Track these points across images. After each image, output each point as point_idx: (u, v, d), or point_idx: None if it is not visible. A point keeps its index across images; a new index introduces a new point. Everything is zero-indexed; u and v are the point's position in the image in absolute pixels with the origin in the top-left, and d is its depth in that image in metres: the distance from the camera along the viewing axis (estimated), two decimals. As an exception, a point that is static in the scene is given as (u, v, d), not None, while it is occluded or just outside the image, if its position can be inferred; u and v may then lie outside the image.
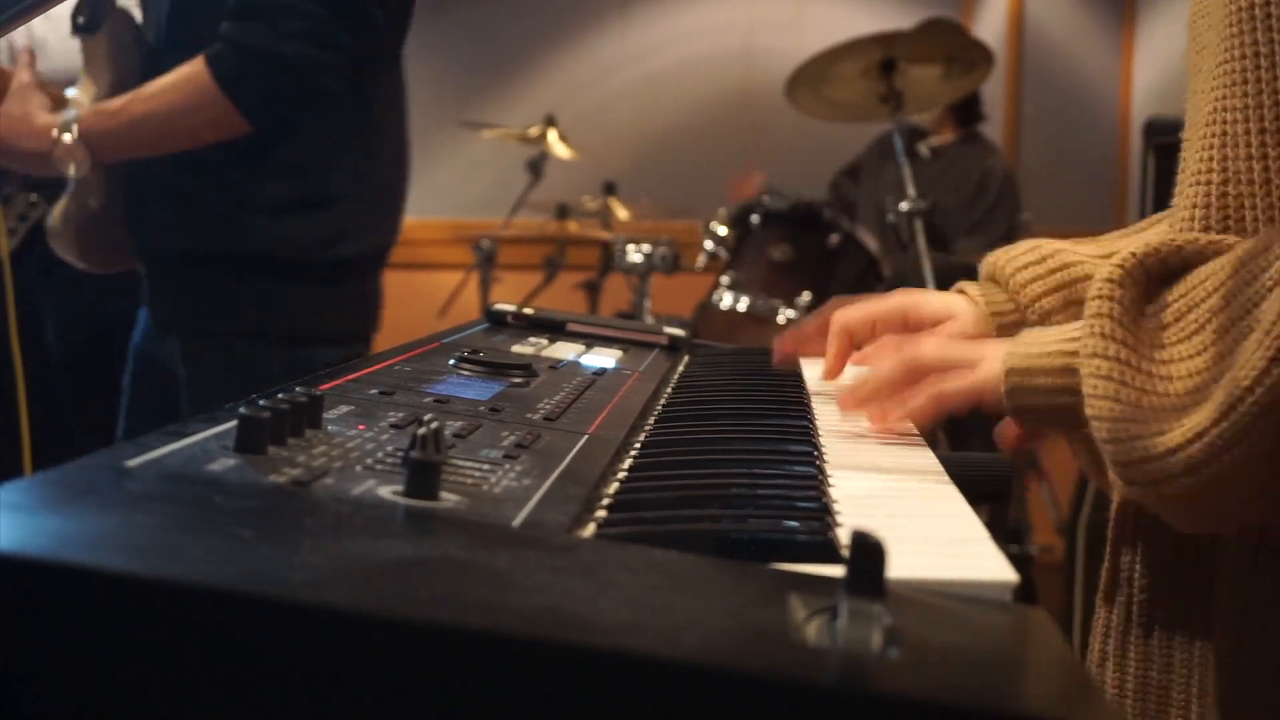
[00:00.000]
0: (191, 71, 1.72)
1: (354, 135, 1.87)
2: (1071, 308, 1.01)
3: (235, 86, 1.71)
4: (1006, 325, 1.03)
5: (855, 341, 1.10)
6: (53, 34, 3.12)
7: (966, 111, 4.04)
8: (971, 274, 1.13)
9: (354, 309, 1.92)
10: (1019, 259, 1.05)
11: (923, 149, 3.99)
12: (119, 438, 1.97)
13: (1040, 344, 0.84)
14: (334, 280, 1.86)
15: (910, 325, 1.07)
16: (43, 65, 3.18)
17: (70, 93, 1.95)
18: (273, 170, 1.80)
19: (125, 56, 1.91)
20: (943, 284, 3.93)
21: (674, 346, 1.38)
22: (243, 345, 1.82)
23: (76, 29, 1.85)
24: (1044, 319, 1.01)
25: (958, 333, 1.03)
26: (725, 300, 3.29)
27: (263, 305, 1.82)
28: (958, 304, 1.06)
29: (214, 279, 1.82)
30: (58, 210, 1.90)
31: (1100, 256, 1.04)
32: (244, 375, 1.79)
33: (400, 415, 0.81)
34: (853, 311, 1.10)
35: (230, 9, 1.73)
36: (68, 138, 1.76)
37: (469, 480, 0.68)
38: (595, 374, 1.12)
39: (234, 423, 0.66)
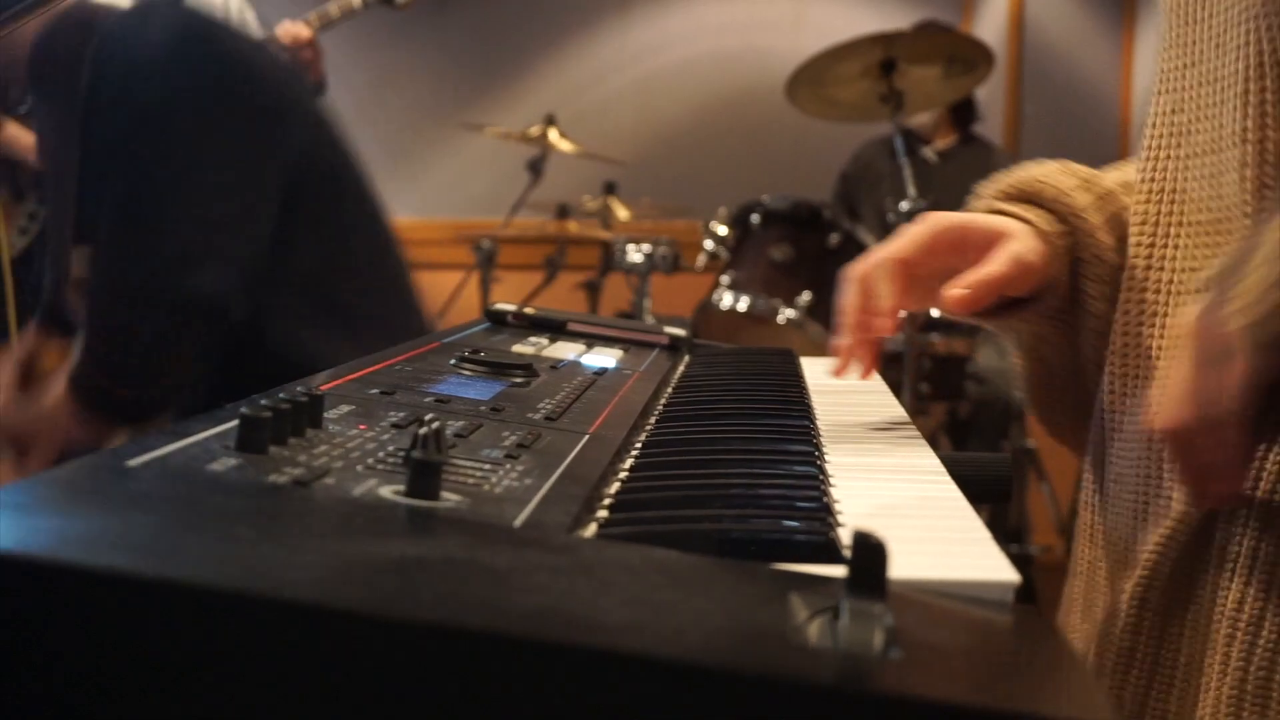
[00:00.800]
0: (63, 395, 1.70)
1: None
2: (1122, 243, 0.97)
3: (100, 416, 1.68)
4: (1059, 250, 0.98)
5: (912, 271, 1.00)
6: None
7: (965, 113, 4.04)
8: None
9: None
10: (1063, 181, 1.00)
11: (929, 152, 3.99)
12: None
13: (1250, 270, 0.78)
14: None
15: (969, 246, 0.99)
16: None
17: None
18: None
19: None
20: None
21: (674, 346, 1.38)
22: None
23: None
24: (1101, 249, 0.98)
25: (1018, 252, 0.96)
26: (725, 300, 3.29)
27: None
28: (1010, 223, 0.99)
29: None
30: None
31: (1123, 185, 1.02)
32: None
33: (401, 415, 0.81)
34: (903, 245, 0.99)
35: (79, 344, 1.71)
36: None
37: (470, 480, 0.68)
38: (596, 374, 1.12)
39: (235, 422, 0.66)
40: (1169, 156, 0.92)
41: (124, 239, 1.65)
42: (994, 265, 0.96)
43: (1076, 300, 1.00)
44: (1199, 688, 0.83)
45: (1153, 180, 0.93)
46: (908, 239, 1.00)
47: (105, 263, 1.66)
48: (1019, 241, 0.97)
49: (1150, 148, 0.94)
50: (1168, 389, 0.81)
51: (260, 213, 1.69)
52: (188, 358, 1.66)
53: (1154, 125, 0.94)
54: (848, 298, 1.02)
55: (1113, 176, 1.04)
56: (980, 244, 0.98)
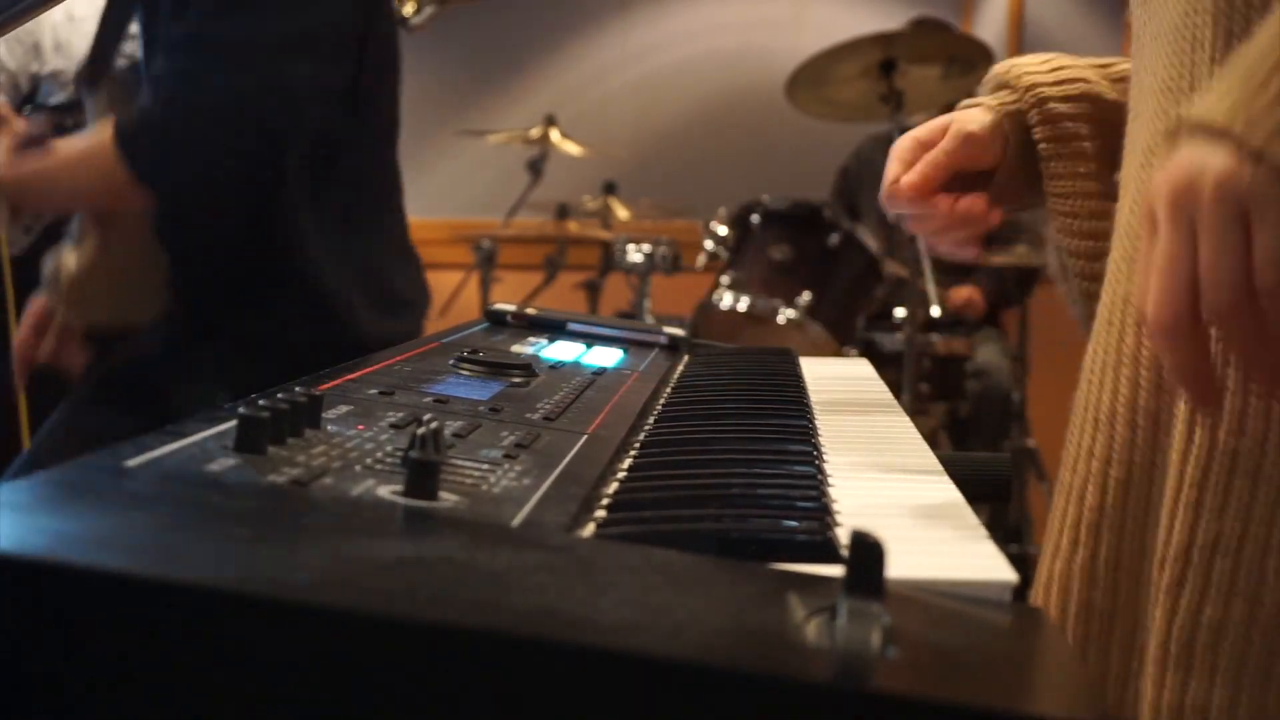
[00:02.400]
0: (101, 137, 1.68)
1: (356, 237, 1.81)
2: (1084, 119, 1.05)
3: (135, 160, 1.64)
4: (1007, 114, 1.07)
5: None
6: (76, 33, 3.13)
7: None
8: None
9: None
10: (1025, 61, 1.10)
11: None
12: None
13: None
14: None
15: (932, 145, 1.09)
16: (63, 63, 3.19)
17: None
18: (271, 277, 1.74)
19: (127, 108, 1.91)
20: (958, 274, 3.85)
21: (674, 346, 1.38)
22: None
23: (78, 86, 1.85)
24: (1040, 104, 1.05)
25: (958, 128, 1.07)
26: (725, 300, 3.29)
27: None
28: (958, 114, 1.11)
29: (239, 368, 1.74)
30: (49, 268, 1.89)
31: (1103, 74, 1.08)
32: None
33: (400, 415, 0.81)
34: (904, 152, 1.09)
35: (146, 76, 1.69)
36: None
37: (468, 480, 0.68)
38: (595, 374, 1.12)
39: (234, 422, 0.66)
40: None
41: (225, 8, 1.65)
42: (938, 148, 1.06)
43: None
44: (1144, 644, 0.83)
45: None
46: (904, 150, 1.08)
47: (199, 21, 1.64)
48: (959, 121, 1.08)
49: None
50: (1161, 279, 0.68)
51: (346, 44, 1.72)
52: (251, 140, 1.64)
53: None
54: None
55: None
56: (938, 139, 1.08)
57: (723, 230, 3.41)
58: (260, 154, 1.66)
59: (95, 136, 1.70)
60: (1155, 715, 0.79)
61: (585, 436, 0.84)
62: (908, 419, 1.10)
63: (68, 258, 1.86)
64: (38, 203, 1.77)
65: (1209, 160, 0.66)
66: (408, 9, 3.08)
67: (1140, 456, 0.86)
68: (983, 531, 0.72)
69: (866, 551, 0.48)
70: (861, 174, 4.09)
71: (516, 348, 1.21)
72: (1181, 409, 0.81)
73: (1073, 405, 0.98)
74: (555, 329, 1.36)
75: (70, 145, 1.74)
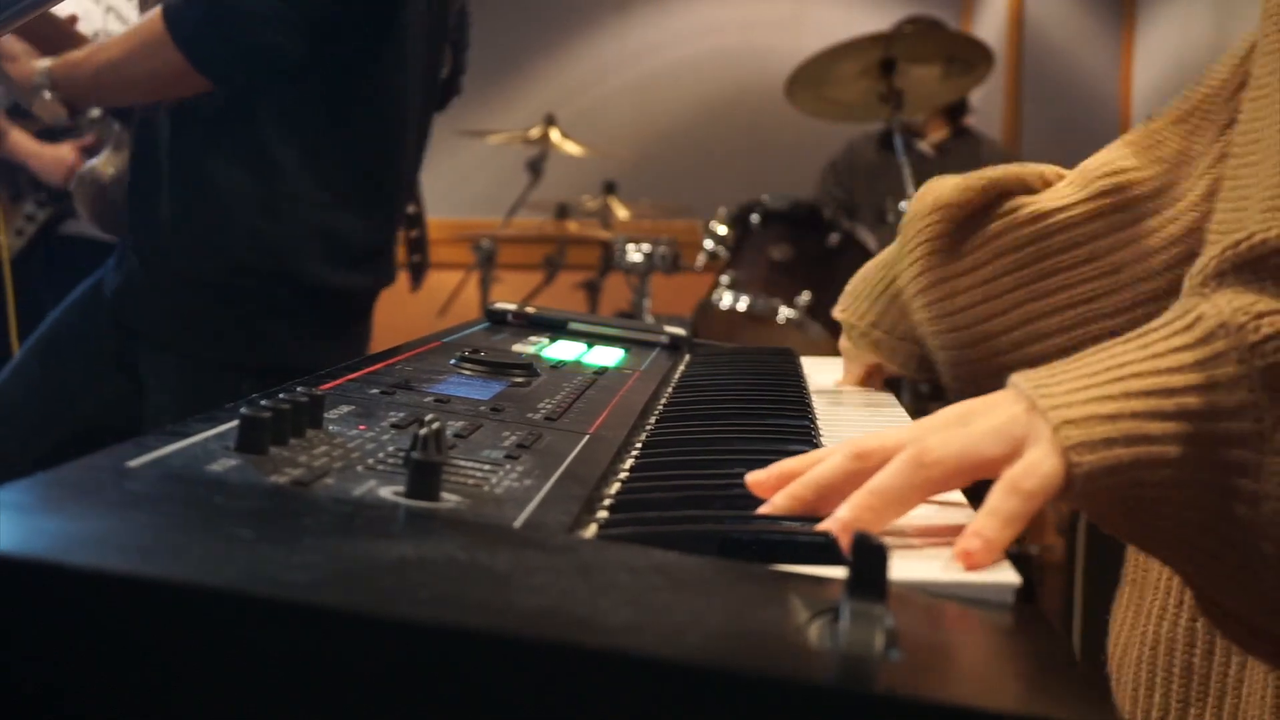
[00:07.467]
0: (149, 20, 1.69)
1: (348, 159, 1.83)
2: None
3: (185, 37, 1.66)
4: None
5: None
6: (120, 25, 3.13)
7: (955, 107, 4.06)
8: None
9: (339, 347, 1.86)
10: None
11: (925, 147, 4.00)
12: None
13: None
14: (320, 318, 1.82)
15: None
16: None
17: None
18: (264, 196, 1.77)
19: None
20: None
21: (674, 346, 1.37)
22: (212, 371, 1.78)
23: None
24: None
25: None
26: (725, 300, 3.29)
27: (242, 337, 1.79)
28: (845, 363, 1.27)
29: (194, 301, 1.79)
30: (83, 169, 1.92)
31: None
32: (208, 395, 1.75)
33: (401, 415, 0.81)
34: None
35: None
36: (45, 94, 1.74)
37: (470, 481, 0.67)
38: (596, 374, 1.12)
39: (235, 422, 0.66)
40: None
41: None
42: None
43: None
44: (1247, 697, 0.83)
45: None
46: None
47: None
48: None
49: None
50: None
51: None
52: (293, 14, 1.67)
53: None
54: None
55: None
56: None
57: (722, 230, 3.42)
58: (290, 19, 1.68)
59: (139, 24, 1.73)
60: None
61: (587, 437, 0.84)
62: (909, 419, 1.10)
63: (105, 163, 1.89)
64: (88, 93, 1.76)
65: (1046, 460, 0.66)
66: None
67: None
68: (984, 532, 0.72)
69: (869, 553, 0.48)
70: (850, 168, 4.09)
71: (517, 347, 1.20)
72: None
73: None
74: (556, 328, 1.36)
75: (113, 39, 1.76)
